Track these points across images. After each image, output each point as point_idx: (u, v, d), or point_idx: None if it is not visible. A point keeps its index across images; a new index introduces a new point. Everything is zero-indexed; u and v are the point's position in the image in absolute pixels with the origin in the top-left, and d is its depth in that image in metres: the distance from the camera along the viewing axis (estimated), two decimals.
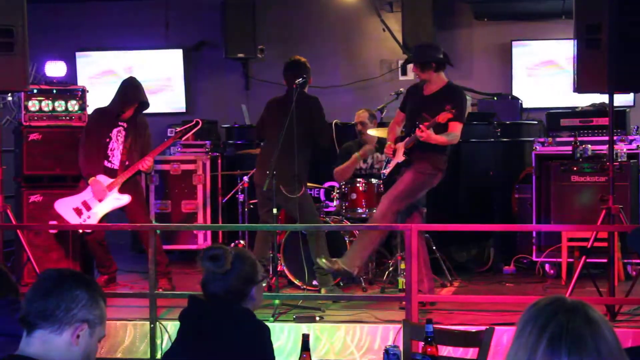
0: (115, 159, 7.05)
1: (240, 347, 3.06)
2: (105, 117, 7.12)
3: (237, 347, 3.06)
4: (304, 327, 5.67)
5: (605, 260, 6.11)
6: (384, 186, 6.86)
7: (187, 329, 3.20)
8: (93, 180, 6.96)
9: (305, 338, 3.28)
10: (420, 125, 6.06)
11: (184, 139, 7.41)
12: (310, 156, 6.82)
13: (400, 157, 6.36)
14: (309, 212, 6.75)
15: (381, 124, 7.85)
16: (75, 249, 7.26)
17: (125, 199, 6.98)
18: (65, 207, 6.98)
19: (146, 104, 7.18)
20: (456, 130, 6.19)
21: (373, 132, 7.46)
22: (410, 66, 9.67)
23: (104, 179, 6.99)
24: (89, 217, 6.97)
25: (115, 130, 7.07)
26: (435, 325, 3.50)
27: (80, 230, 7.06)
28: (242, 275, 3.20)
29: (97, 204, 6.97)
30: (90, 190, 6.98)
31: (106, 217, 7.06)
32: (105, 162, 7.05)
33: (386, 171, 6.58)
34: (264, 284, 3.33)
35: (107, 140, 7.06)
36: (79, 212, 6.97)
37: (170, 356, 3.19)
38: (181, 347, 3.16)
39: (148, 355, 5.74)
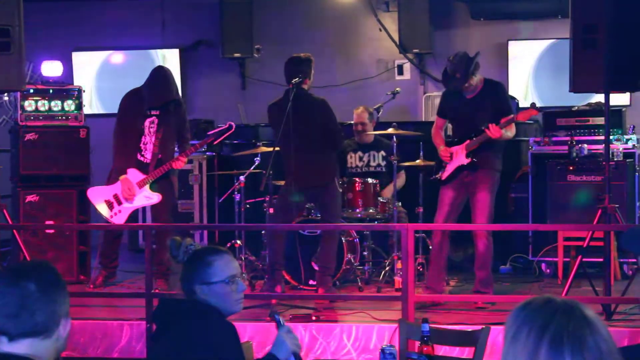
0: (147, 153, 6.89)
1: (182, 344, 3.01)
2: (137, 104, 6.95)
3: (184, 344, 3.01)
4: (300, 327, 5.67)
5: (601, 260, 6.12)
6: (440, 186, 6.69)
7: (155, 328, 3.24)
8: (124, 178, 6.81)
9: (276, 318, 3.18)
10: (490, 126, 6.20)
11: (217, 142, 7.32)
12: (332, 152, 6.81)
13: (463, 160, 6.40)
14: (333, 212, 6.75)
15: (378, 124, 7.86)
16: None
17: (155, 198, 6.87)
18: (97, 198, 6.90)
19: (176, 102, 7.02)
20: (512, 125, 6.45)
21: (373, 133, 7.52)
22: (407, 65, 9.73)
23: (134, 176, 6.84)
24: (119, 212, 6.86)
25: (147, 122, 6.91)
26: (431, 325, 3.51)
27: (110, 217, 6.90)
28: (189, 272, 3.19)
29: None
30: None
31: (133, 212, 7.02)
32: (138, 155, 6.89)
33: (444, 174, 6.53)
34: (234, 289, 3.17)
35: (139, 132, 6.92)
36: (110, 205, 6.87)
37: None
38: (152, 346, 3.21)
39: (144, 355, 5.73)
